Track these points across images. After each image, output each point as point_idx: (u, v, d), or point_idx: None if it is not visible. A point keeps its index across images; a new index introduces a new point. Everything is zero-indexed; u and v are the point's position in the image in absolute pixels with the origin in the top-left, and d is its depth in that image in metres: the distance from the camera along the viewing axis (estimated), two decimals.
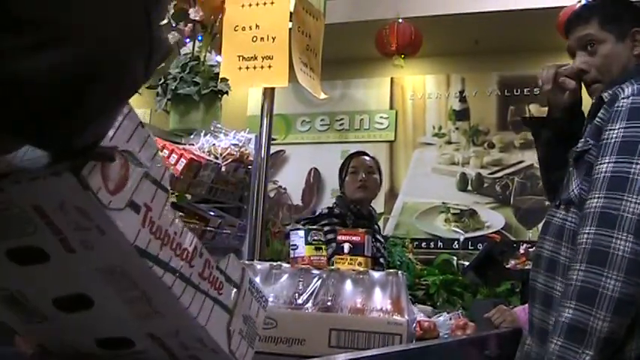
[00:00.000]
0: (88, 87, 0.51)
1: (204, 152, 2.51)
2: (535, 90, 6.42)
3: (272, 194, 6.41)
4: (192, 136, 2.62)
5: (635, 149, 1.53)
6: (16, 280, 0.73)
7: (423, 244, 6.23)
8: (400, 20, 5.50)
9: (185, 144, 2.59)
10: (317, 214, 3.11)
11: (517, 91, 6.48)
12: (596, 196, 1.53)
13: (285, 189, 6.83)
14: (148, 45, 0.55)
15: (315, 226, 1.95)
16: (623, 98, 1.60)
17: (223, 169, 2.52)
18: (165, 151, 2.33)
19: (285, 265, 1.68)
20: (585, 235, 1.51)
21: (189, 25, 2.64)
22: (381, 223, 5.97)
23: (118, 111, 0.62)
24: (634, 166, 1.51)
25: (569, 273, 1.53)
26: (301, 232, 1.72)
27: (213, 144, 2.56)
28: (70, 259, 0.69)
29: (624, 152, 1.54)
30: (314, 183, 6.83)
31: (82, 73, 0.50)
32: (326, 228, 2.85)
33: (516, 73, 6.45)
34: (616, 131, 1.57)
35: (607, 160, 1.55)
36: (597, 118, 1.65)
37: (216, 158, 2.51)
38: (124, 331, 0.79)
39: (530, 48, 5.99)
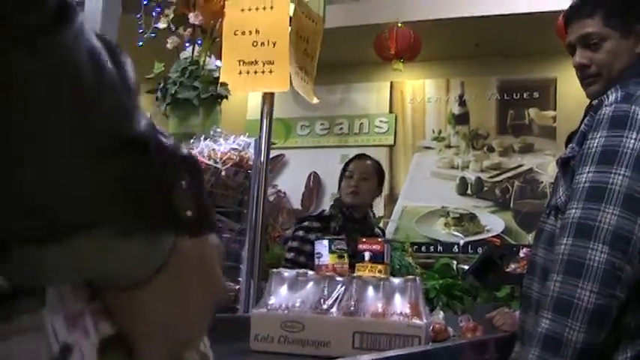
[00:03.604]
0: None
1: (203, 157, 2.51)
2: (534, 94, 6.43)
3: (272, 198, 6.40)
4: (191, 141, 2.62)
5: (614, 159, 1.51)
6: None
7: (423, 248, 6.23)
8: (399, 25, 5.51)
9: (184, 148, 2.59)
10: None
11: (516, 95, 6.49)
12: (574, 206, 1.53)
13: (284, 193, 6.84)
14: None
15: (337, 236, 2.07)
16: (606, 106, 1.58)
17: (223, 173, 2.52)
18: None
19: (310, 272, 1.79)
20: (562, 246, 1.51)
21: (189, 29, 2.64)
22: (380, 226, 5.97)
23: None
24: (612, 176, 1.50)
25: (547, 284, 1.54)
26: (325, 242, 1.85)
27: (213, 148, 2.56)
28: None
29: (603, 162, 1.52)
30: (313, 187, 6.84)
31: None
32: (300, 232, 2.95)
33: (516, 77, 6.46)
34: (596, 140, 1.56)
35: (586, 170, 1.54)
36: (584, 125, 1.65)
37: (216, 163, 2.51)
38: None
39: (530, 52, 6.00)
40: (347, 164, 3.13)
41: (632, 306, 1.50)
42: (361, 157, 3.20)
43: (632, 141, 1.52)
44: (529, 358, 1.51)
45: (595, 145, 1.56)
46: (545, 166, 6.23)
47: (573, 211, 1.53)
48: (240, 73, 2.62)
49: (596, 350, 1.47)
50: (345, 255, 1.83)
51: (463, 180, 6.52)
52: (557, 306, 1.48)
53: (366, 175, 3.04)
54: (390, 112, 6.86)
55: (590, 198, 1.51)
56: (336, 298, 1.68)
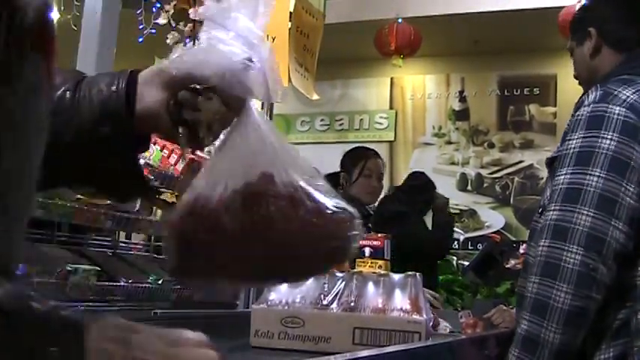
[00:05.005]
0: None
1: (204, 152, 2.51)
2: (535, 90, 6.43)
3: None
4: None
5: (589, 160, 1.52)
6: None
7: None
8: (400, 20, 5.50)
9: None
10: None
11: (517, 91, 6.49)
12: (552, 208, 1.54)
13: None
14: None
15: None
16: (585, 106, 1.61)
17: None
18: (165, 151, 2.33)
19: None
20: (540, 248, 1.53)
21: (189, 25, 2.64)
22: None
23: None
24: (588, 177, 1.51)
25: (527, 285, 1.55)
26: None
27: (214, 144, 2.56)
28: None
29: (580, 163, 1.53)
30: None
31: None
32: None
33: (516, 73, 6.46)
34: (574, 141, 1.57)
35: (564, 172, 1.55)
36: (567, 124, 1.66)
37: None
38: None
39: (530, 48, 5.99)
40: (361, 161, 3.09)
41: (614, 306, 1.51)
42: (375, 154, 3.20)
43: (608, 141, 1.52)
44: (509, 358, 1.53)
45: (572, 146, 1.57)
46: None
47: (551, 212, 1.54)
48: None
49: (573, 351, 1.48)
50: None
51: (463, 176, 6.52)
52: (534, 307, 1.50)
53: (381, 175, 3.12)
54: (391, 108, 6.86)
55: (566, 199, 1.52)
56: (336, 293, 1.68)
